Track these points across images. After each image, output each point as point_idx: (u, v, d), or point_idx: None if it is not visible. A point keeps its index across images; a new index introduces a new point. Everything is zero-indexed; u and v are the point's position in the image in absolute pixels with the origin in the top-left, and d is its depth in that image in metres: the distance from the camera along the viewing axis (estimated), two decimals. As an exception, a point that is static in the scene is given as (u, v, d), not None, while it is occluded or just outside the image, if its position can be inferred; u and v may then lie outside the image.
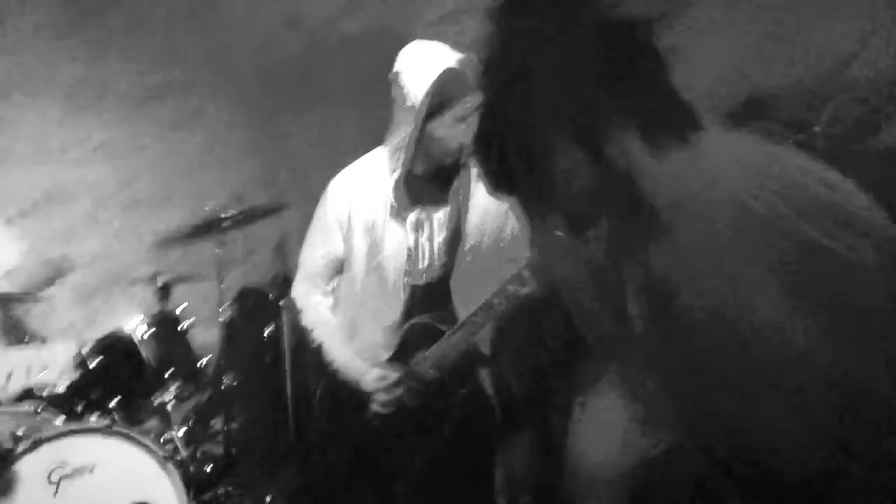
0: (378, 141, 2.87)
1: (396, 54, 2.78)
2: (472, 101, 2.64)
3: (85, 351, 3.31)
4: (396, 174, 2.80)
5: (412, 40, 2.82)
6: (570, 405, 3.74)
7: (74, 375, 3.30)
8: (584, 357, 3.28)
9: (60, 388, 3.27)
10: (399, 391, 2.80)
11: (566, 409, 3.73)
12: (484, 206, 2.86)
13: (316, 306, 2.97)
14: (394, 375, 2.80)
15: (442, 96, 2.65)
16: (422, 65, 2.68)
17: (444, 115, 2.68)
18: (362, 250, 2.87)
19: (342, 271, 2.96)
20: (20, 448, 2.92)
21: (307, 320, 2.97)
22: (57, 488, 2.91)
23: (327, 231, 2.92)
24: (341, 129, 4.86)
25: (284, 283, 4.22)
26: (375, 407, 2.82)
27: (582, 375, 3.59)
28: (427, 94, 2.64)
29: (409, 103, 2.68)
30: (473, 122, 2.66)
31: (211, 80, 4.85)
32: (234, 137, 4.92)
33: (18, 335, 3.97)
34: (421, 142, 2.74)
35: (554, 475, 3.62)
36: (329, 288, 3.00)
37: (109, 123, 4.67)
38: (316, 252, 2.95)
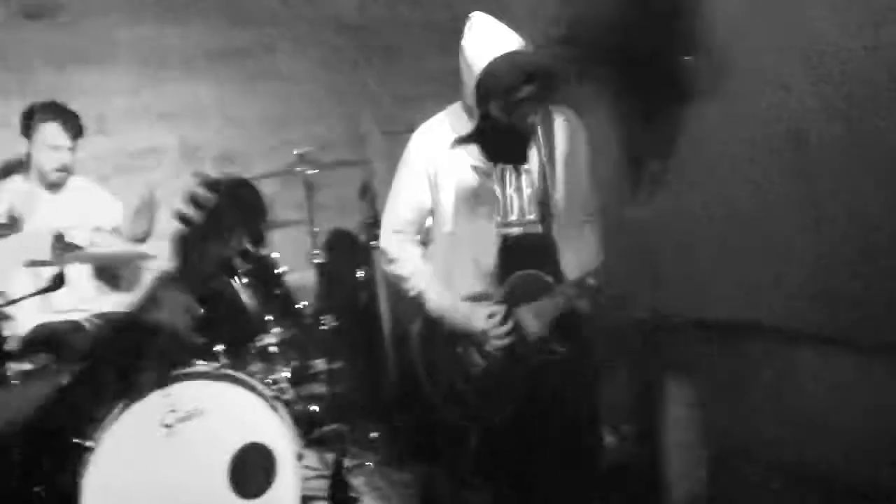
0: (455, 92, 2.87)
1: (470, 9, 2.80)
2: (526, 90, 2.68)
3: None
4: (469, 131, 2.83)
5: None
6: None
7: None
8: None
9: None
10: (509, 328, 2.80)
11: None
12: (568, 163, 2.89)
13: (410, 256, 2.97)
14: (501, 310, 2.81)
15: (496, 81, 2.68)
16: (483, 44, 2.71)
17: (498, 98, 2.72)
18: (449, 200, 2.88)
19: (429, 221, 2.97)
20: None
21: (402, 269, 2.96)
22: (170, 432, 2.97)
23: (414, 182, 2.93)
24: (419, 83, 4.86)
25: (373, 225, 4.25)
26: (490, 345, 2.81)
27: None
28: (481, 76, 2.69)
29: (470, 76, 2.74)
30: (533, 105, 2.73)
31: (292, 37, 4.90)
32: (316, 90, 4.97)
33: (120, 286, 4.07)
34: (482, 117, 2.78)
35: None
36: (418, 237, 3.01)
37: (192, 81, 4.77)
38: (404, 203, 2.96)
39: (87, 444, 2.84)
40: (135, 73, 4.66)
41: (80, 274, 3.80)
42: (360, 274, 4.14)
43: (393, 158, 2.97)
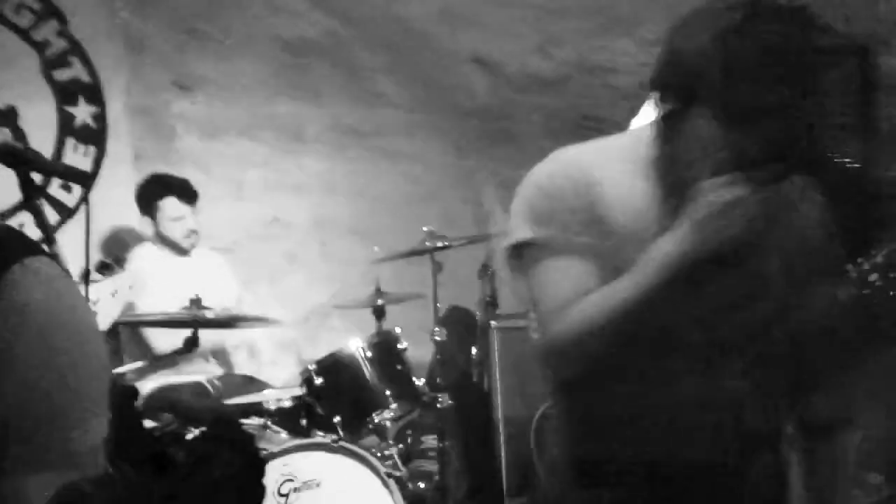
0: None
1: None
2: None
3: (309, 369, 3.46)
4: None
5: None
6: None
7: (299, 392, 3.48)
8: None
9: (287, 404, 3.42)
10: None
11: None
12: None
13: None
14: None
15: None
16: None
17: None
18: None
19: None
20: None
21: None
22: (286, 502, 3.03)
23: None
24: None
25: (491, 304, 4.28)
26: None
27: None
28: None
29: None
30: None
31: (411, 120, 5.03)
32: (435, 171, 5.08)
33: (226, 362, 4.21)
34: None
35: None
36: None
37: (316, 160, 4.96)
38: None
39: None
40: (271, 146, 4.85)
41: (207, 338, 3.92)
42: (474, 352, 4.16)
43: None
